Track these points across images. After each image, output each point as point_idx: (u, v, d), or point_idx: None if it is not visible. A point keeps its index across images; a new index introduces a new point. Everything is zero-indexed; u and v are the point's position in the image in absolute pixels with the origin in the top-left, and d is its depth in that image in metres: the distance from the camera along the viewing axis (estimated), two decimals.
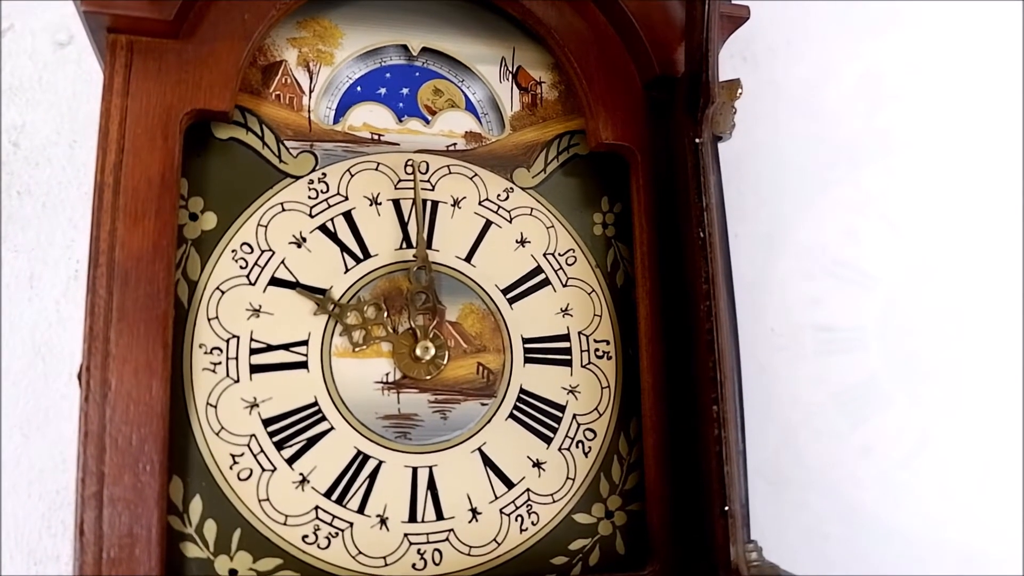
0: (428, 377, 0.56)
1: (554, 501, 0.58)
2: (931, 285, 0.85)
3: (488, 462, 0.57)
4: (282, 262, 0.55)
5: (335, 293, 0.56)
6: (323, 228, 0.56)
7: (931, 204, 0.87)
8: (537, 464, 0.58)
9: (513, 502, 0.57)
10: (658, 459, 0.58)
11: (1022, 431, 0.83)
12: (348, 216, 0.57)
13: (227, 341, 0.53)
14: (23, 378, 0.67)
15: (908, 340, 0.83)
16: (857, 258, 0.84)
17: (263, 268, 0.55)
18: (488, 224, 0.60)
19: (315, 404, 0.54)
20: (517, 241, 0.60)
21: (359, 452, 0.54)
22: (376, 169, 0.58)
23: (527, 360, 0.59)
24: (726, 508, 0.53)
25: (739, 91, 0.60)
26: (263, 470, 0.52)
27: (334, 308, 0.55)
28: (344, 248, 0.57)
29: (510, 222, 0.60)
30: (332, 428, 0.54)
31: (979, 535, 0.81)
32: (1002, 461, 0.83)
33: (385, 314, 0.56)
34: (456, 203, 0.59)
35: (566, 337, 0.60)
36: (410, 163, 0.59)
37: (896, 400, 0.82)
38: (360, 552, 0.53)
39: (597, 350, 0.61)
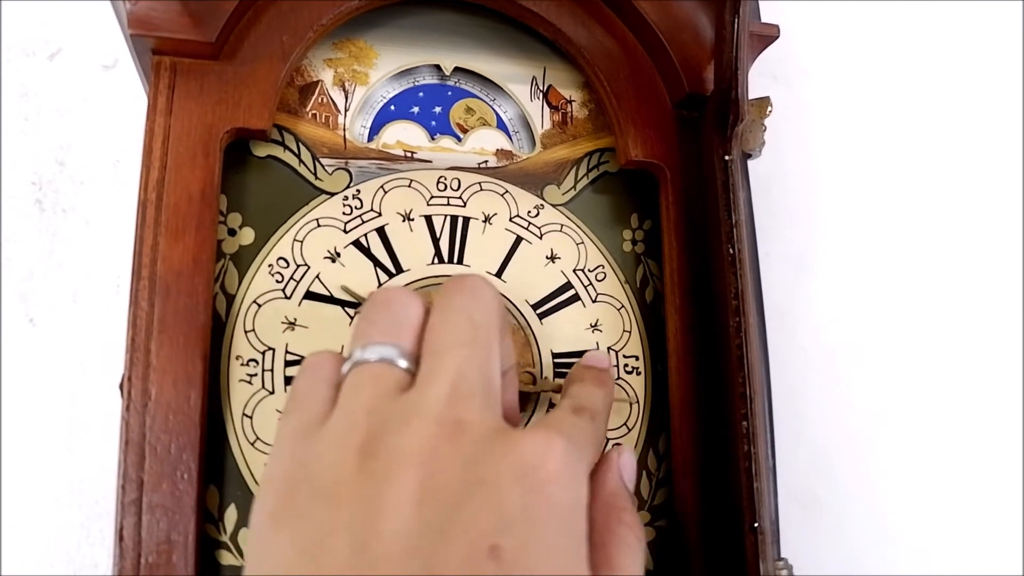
0: None
1: None
2: (966, 307, 0.84)
3: None
4: (317, 276, 0.56)
5: None
6: (357, 243, 0.58)
7: (971, 227, 0.86)
8: None
9: None
10: (687, 475, 0.58)
11: None
12: (381, 232, 0.58)
13: (263, 353, 0.54)
14: (65, 391, 0.69)
15: (946, 363, 0.82)
16: (890, 279, 0.84)
17: (298, 282, 0.56)
18: (519, 240, 0.61)
19: None
20: (547, 257, 0.61)
21: None
22: (409, 186, 0.60)
23: (557, 375, 0.59)
24: (755, 525, 0.53)
25: (769, 109, 0.60)
26: None
27: None
28: (377, 263, 0.58)
29: (540, 238, 0.61)
30: None
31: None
32: None
33: None
34: (487, 219, 0.60)
35: None
36: (442, 180, 0.60)
37: (931, 424, 0.81)
38: None
39: (626, 365, 0.61)
